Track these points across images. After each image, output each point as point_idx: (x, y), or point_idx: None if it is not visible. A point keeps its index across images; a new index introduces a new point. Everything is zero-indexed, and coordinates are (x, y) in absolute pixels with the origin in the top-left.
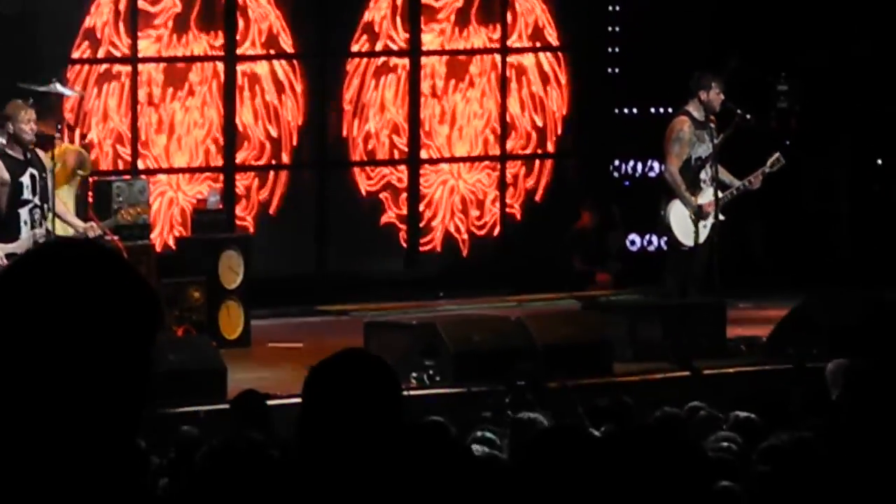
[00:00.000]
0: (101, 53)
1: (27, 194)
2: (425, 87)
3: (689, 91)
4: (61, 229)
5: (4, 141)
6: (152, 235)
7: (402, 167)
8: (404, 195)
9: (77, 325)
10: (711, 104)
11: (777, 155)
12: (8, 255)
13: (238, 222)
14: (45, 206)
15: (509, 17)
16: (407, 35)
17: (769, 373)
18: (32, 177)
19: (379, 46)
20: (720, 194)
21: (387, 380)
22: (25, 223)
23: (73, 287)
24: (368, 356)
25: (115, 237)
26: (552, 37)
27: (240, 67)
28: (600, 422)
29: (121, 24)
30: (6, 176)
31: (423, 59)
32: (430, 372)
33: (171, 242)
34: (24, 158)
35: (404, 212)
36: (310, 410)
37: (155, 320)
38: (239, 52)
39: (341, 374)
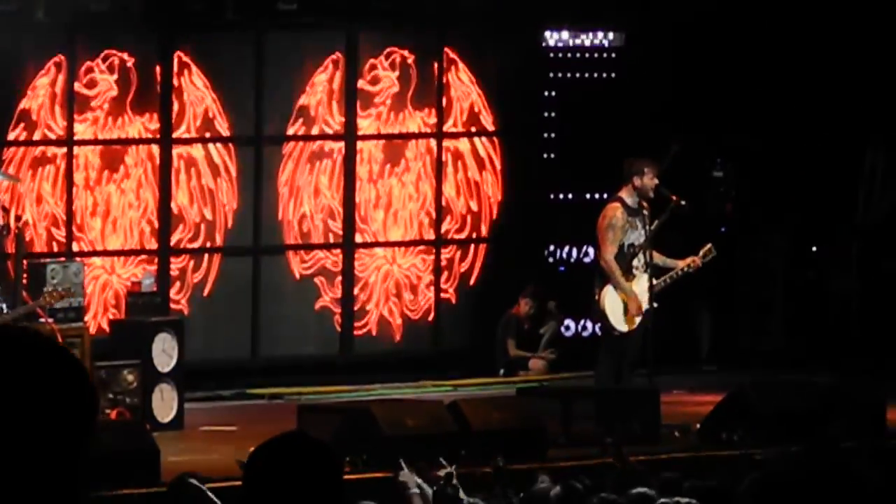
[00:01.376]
0: (36, 136)
1: None
2: (361, 171)
3: (623, 177)
4: None
5: None
6: (86, 318)
7: (337, 251)
8: (339, 279)
9: (13, 411)
10: (644, 190)
11: (709, 246)
12: None
13: (172, 305)
14: None
15: (445, 101)
16: (343, 119)
17: (702, 459)
18: None
19: (315, 130)
20: (654, 281)
21: (329, 463)
22: None
23: (9, 373)
24: (310, 439)
25: (50, 319)
26: (487, 121)
27: (175, 150)
28: None
29: (57, 107)
30: None
31: (359, 144)
32: (364, 456)
33: (105, 325)
34: None
35: (339, 295)
36: (251, 494)
37: (92, 407)
38: (175, 135)
39: (282, 457)
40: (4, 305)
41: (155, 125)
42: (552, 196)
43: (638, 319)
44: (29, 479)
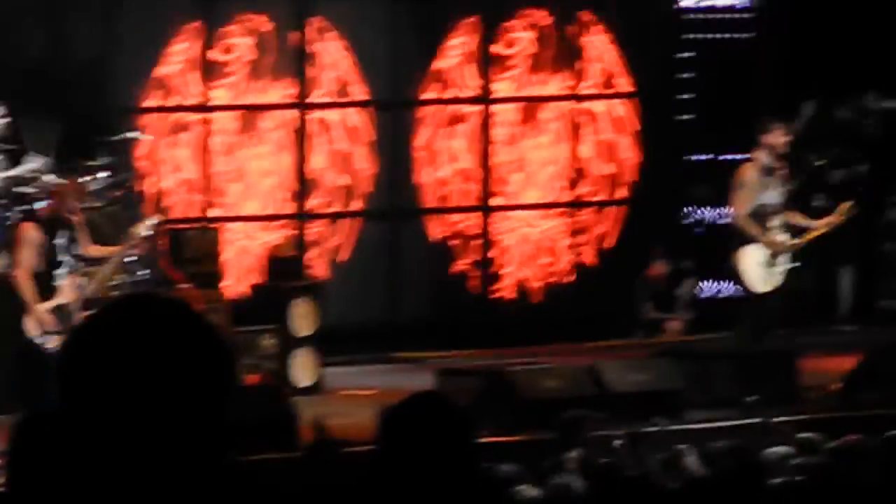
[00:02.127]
0: (173, 102)
1: (61, 255)
2: (497, 133)
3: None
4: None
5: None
6: (225, 283)
7: (475, 214)
8: (477, 242)
9: (153, 377)
10: (776, 148)
11: (849, 204)
12: (54, 310)
13: (310, 270)
14: (81, 262)
15: (580, 64)
16: (478, 82)
17: (841, 419)
18: (69, 237)
19: (451, 94)
20: (793, 240)
21: (462, 425)
22: (62, 281)
23: (149, 339)
24: (441, 399)
25: (188, 285)
26: (623, 83)
27: (312, 115)
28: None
29: (194, 73)
30: (40, 237)
31: (495, 107)
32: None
33: (243, 290)
34: (59, 220)
35: (476, 258)
36: (382, 453)
37: (230, 373)
38: (310, 100)
39: (414, 417)
40: (148, 271)
41: (292, 90)
42: (688, 157)
43: (776, 278)
44: (169, 445)
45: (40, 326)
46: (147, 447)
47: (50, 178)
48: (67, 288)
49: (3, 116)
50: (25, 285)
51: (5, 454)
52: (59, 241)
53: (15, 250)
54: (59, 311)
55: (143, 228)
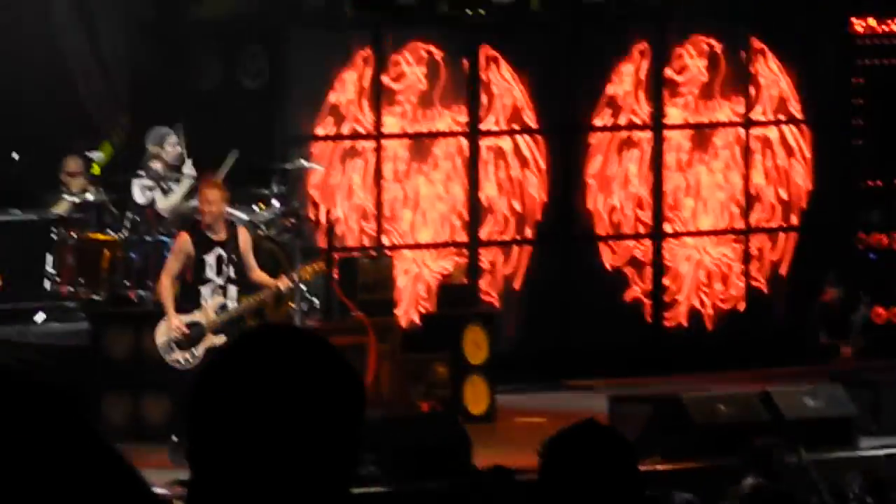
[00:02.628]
0: (345, 130)
1: (210, 273)
2: (668, 160)
3: None
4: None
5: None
6: (397, 311)
7: (647, 241)
8: (649, 269)
9: (286, 407)
10: None
11: None
12: (190, 325)
13: (483, 297)
14: (231, 286)
15: (753, 90)
16: (650, 109)
17: None
18: (219, 257)
19: (622, 120)
20: None
21: (624, 452)
22: (205, 300)
23: (282, 370)
24: (604, 428)
25: (360, 313)
26: (796, 109)
27: (483, 142)
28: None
29: (365, 101)
30: (191, 250)
31: (667, 133)
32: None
33: (416, 317)
34: (213, 238)
35: (649, 286)
36: (546, 481)
37: (359, 404)
38: (483, 127)
39: (577, 445)
40: (316, 300)
41: (463, 117)
42: (861, 183)
43: None
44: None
45: (168, 335)
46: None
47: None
48: (208, 307)
49: (175, 144)
50: (166, 292)
51: None
52: (209, 258)
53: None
54: (194, 327)
55: (309, 273)
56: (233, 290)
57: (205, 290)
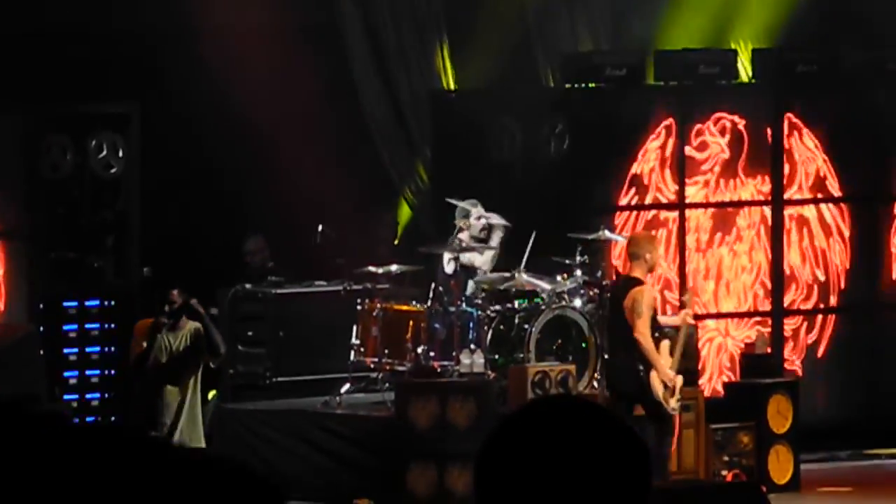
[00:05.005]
0: (648, 199)
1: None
2: None
3: None
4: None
5: None
6: (701, 381)
7: None
8: None
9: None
10: None
11: None
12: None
13: (786, 366)
14: None
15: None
16: None
17: None
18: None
19: None
20: None
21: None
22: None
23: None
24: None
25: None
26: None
27: (787, 211)
28: None
29: (667, 171)
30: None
31: None
32: None
33: (719, 387)
34: None
35: None
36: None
37: (646, 477)
38: (786, 195)
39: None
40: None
41: (766, 186)
42: None
43: None
44: None
45: (663, 385)
46: None
47: (523, 277)
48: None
49: (478, 217)
50: (650, 346)
51: None
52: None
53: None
54: None
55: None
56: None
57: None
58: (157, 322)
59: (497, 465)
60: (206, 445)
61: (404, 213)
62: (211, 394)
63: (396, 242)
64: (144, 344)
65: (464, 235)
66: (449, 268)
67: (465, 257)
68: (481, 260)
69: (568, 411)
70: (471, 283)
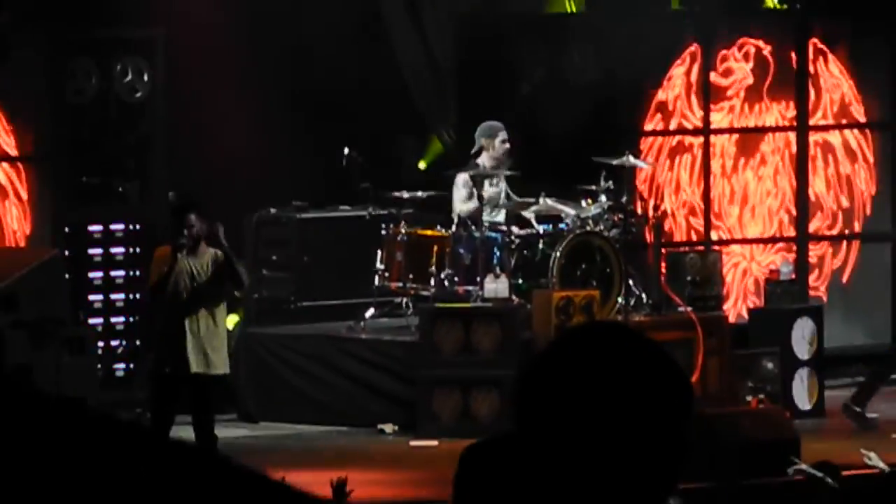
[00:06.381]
0: (673, 125)
1: None
2: None
3: None
4: None
5: None
6: (725, 306)
7: None
8: None
9: (610, 405)
10: None
11: None
12: None
13: (811, 292)
14: None
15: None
16: None
17: None
18: None
19: None
20: None
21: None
22: None
23: (607, 367)
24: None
25: (688, 308)
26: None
27: (812, 137)
28: None
29: (693, 97)
30: None
31: None
32: None
33: (744, 313)
34: None
35: None
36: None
37: (686, 400)
38: (811, 122)
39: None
40: (644, 295)
41: (791, 112)
42: None
43: None
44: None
45: None
46: (603, 478)
47: (551, 204)
48: None
49: (504, 141)
50: None
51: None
52: None
53: None
54: None
55: None
56: None
57: None
58: (175, 247)
59: (535, 393)
60: (229, 371)
61: (434, 142)
62: (235, 318)
63: (423, 166)
64: (166, 269)
65: (484, 157)
66: (464, 191)
67: (468, 191)
68: (465, 207)
69: (612, 337)
70: (465, 215)
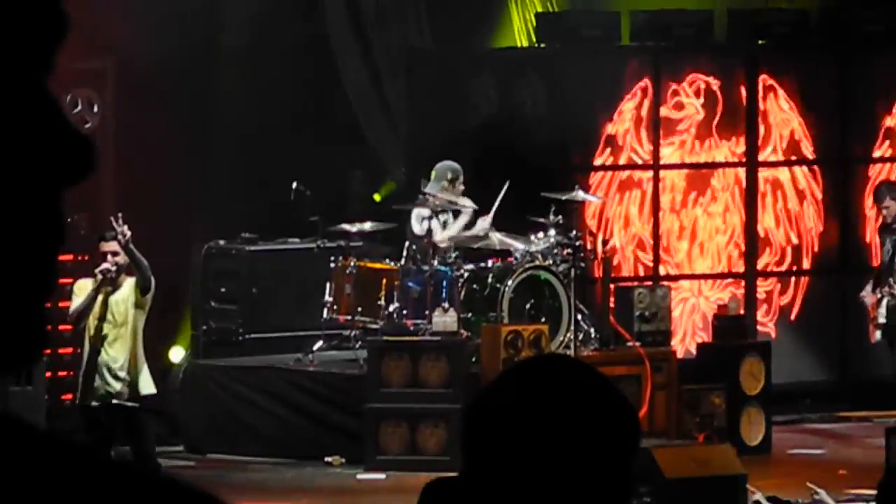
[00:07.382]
0: (623, 160)
1: None
2: None
3: None
4: None
5: None
6: (674, 342)
7: None
8: None
9: (558, 436)
10: None
11: None
12: None
13: (759, 328)
14: None
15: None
16: None
17: None
18: None
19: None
20: None
21: None
22: None
23: (555, 399)
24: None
25: (637, 343)
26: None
27: (762, 174)
28: None
29: (643, 131)
30: None
31: None
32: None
33: (692, 348)
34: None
35: None
36: None
37: (633, 435)
38: (761, 157)
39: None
40: (592, 330)
41: (741, 148)
42: None
43: None
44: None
45: None
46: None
47: (496, 237)
48: None
49: (461, 182)
50: None
51: None
52: None
53: None
54: None
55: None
56: None
57: None
58: (97, 278)
59: (485, 423)
60: (155, 391)
61: (388, 183)
62: (182, 350)
63: (378, 199)
64: (85, 300)
65: (439, 197)
66: (419, 227)
67: (425, 225)
68: (440, 236)
69: (559, 370)
70: (443, 244)
